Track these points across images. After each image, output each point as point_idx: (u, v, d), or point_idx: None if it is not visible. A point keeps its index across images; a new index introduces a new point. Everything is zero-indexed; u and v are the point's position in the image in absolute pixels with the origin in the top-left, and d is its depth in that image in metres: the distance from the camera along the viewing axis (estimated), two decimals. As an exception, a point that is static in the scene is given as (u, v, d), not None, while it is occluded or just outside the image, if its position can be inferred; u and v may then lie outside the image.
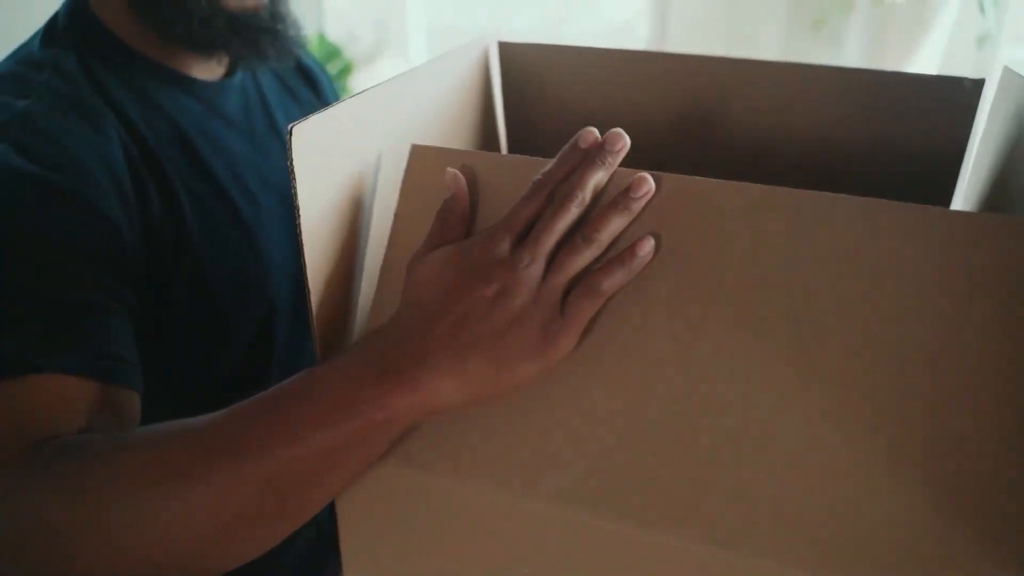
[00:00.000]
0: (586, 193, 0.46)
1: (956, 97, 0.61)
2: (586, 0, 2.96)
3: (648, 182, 0.46)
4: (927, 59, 2.09)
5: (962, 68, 2.26)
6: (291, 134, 0.42)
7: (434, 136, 0.61)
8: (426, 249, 0.48)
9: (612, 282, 0.45)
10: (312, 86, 0.95)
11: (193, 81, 0.76)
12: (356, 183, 0.50)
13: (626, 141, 0.46)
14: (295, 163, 0.43)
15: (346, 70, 2.22)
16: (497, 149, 0.77)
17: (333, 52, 2.21)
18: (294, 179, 0.43)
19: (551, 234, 0.45)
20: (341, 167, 0.48)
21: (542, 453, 0.47)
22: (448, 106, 0.64)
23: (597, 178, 0.46)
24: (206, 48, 0.73)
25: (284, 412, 0.44)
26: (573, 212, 0.45)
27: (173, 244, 0.69)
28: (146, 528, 0.43)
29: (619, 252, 0.45)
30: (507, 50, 0.74)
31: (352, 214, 0.50)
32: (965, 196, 0.65)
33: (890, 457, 0.41)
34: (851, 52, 2.18)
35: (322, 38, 2.21)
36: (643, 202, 0.46)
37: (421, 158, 0.52)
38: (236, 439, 0.44)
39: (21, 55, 0.70)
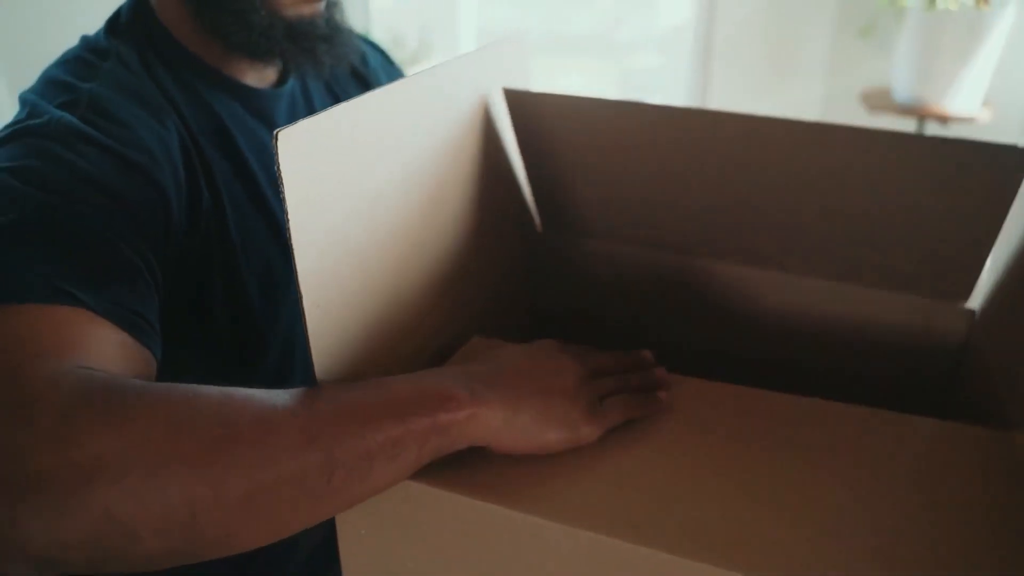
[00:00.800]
0: (629, 366, 0.59)
1: (999, 164, 0.56)
2: (641, 3, 2.95)
3: (664, 377, 0.59)
4: (980, 68, 2.03)
5: (1018, 78, 2.19)
6: (277, 139, 0.42)
7: (433, 143, 0.61)
8: None
9: (641, 405, 0.55)
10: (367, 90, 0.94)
11: (244, 87, 0.78)
12: (350, 190, 0.50)
13: (652, 362, 0.61)
14: (283, 170, 0.43)
15: (390, 73, 2.23)
16: (508, 168, 0.76)
17: (378, 55, 2.22)
18: (282, 186, 0.43)
19: (604, 365, 0.57)
20: (334, 174, 0.48)
21: (547, 472, 0.49)
22: (449, 112, 0.64)
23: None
24: (264, 56, 0.75)
25: (358, 398, 0.45)
26: (618, 366, 0.58)
27: (217, 241, 0.71)
28: (197, 475, 0.40)
29: (648, 396, 0.56)
30: (514, 98, 0.71)
31: (346, 222, 0.50)
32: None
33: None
34: (901, 60, 2.13)
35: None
36: (657, 378, 0.59)
37: (475, 347, 0.62)
38: (308, 407, 0.44)
39: (88, 42, 0.73)
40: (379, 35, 2.46)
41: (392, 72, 1.00)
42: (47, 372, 0.43)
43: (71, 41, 0.74)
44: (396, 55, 2.30)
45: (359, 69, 0.94)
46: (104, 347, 0.50)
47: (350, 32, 0.80)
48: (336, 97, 0.91)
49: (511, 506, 0.47)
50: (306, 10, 0.74)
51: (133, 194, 0.60)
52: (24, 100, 0.64)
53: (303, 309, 0.47)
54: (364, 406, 0.45)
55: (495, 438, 0.48)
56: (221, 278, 0.72)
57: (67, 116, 0.60)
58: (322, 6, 0.76)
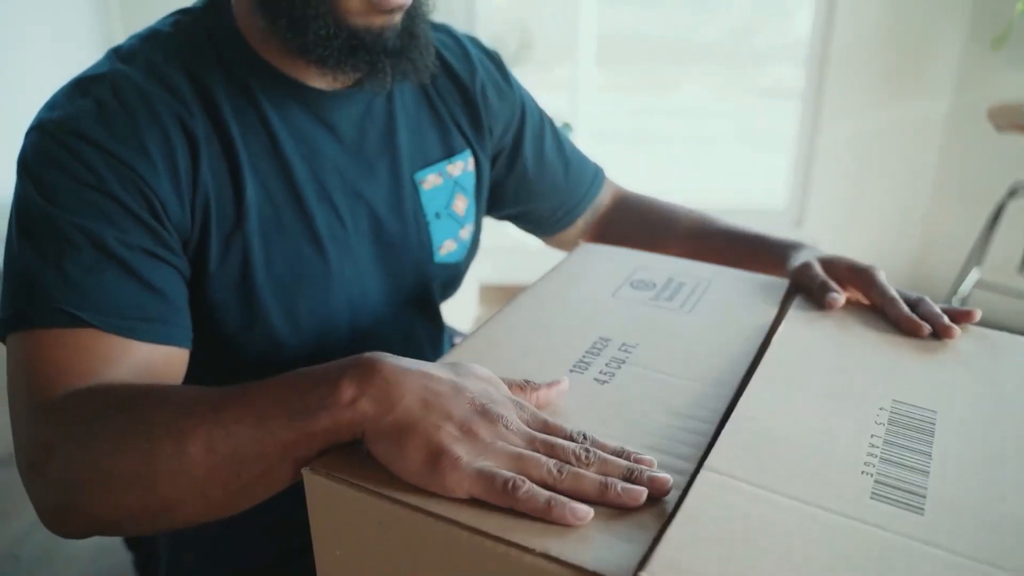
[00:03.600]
0: (597, 462, 0.50)
1: None
2: (775, 11, 2.85)
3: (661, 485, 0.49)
4: None
5: None
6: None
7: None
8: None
9: (555, 508, 0.46)
10: (470, 108, 0.90)
11: (304, 88, 0.76)
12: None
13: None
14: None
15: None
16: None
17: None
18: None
19: (557, 446, 0.50)
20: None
21: None
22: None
23: (620, 470, 0.50)
24: (320, 64, 0.72)
25: (254, 401, 0.52)
26: (573, 464, 0.50)
27: (224, 236, 0.72)
28: (138, 477, 0.53)
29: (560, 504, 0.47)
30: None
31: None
32: None
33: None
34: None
35: (470, 39, 2.22)
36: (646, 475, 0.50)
37: None
38: (214, 414, 0.52)
39: (153, 26, 0.76)
40: (481, 34, 2.45)
41: (503, 89, 0.94)
42: (51, 400, 0.59)
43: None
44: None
45: (465, 81, 0.89)
46: (108, 359, 0.62)
47: (427, 47, 0.76)
48: (430, 104, 0.87)
49: (484, 529, 0.46)
50: (376, 21, 0.71)
51: (128, 195, 0.65)
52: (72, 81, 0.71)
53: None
54: (263, 411, 0.51)
55: (370, 446, 0.50)
56: (224, 271, 0.73)
57: (75, 109, 0.67)
58: (397, 18, 0.72)
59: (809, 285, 0.76)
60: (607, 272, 0.82)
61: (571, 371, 0.63)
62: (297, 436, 0.50)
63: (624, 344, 0.67)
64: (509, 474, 0.46)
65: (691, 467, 0.52)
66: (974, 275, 2.21)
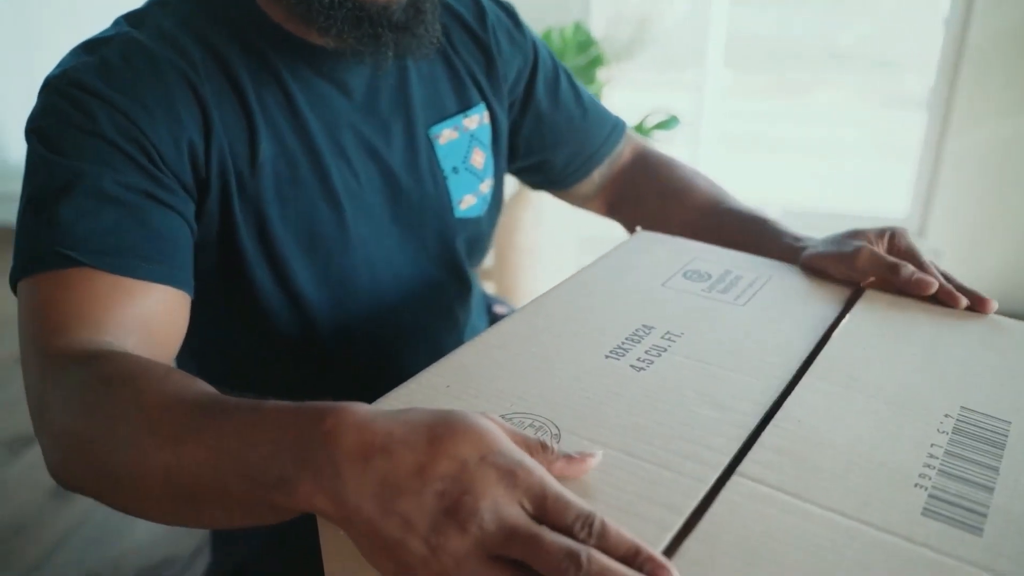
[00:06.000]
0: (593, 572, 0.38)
1: None
2: (916, 16, 2.70)
3: None
4: None
5: None
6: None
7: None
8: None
9: None
10: (485, 57, 0.90)
11: (313, 48, 0.76)
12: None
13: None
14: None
15: (596, 62, 2.17)
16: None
17: (586, 42, 2.17)
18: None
19: (544, 547, 0.38)
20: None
21: None
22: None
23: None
24: (323, 33, 0.72)
25: (216, 447, 0.46)
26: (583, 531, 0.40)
27: (246, 181, 0.72)
28: (107, 469, 0.51)
29: None
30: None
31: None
32: None
33: None
34: None
35: (578, 27, 2.18)
36: None
37: None
38: (174, 446, 0.47)
39: None
40: (596, 23, 2.41)
41: (514, 35, 0.93)
42: (56, 351, 0.57)
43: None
44: (606, 46, 2.24)
45: (477, 31, 0.89)
46: (105, 301, 0.60)
47: (434, 22, 0.75)
48: (444, 58, 0.87)
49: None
50: None
51: (126, 142, 0.64)
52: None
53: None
54: (222, 463, 0.45)
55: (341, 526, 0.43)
56: (246, 229, 0.73)
57: (79, 64, 0.67)
58: None
59: (879, 265, 0.72)
60: (660, 260, 0.78)
61: (607, 357, 0.59)
62: (256, 499, 0.44)
63: (668, 332, 0.63)
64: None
65: (723, 460, 0.48)
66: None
